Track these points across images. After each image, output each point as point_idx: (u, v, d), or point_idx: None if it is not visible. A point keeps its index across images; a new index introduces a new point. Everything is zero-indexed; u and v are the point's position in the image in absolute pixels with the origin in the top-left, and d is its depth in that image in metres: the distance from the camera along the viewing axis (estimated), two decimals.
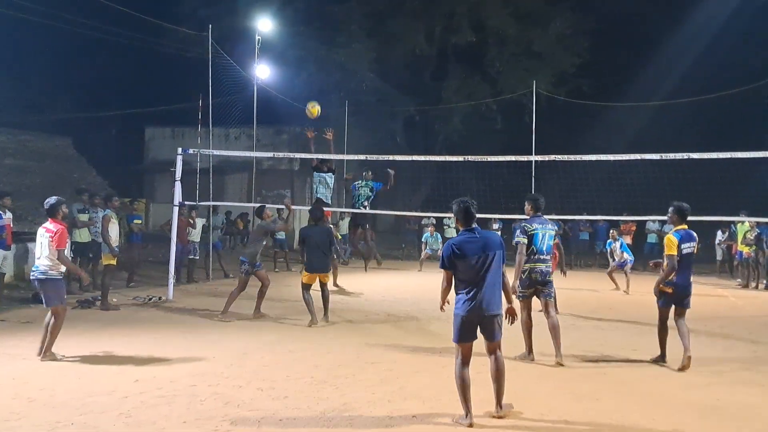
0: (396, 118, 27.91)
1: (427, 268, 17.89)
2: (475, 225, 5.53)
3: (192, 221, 14.63)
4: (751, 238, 15.51)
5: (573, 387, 6.49)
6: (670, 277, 7.37)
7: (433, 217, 20.29)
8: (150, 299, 11.92)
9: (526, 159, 15.98)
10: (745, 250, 15.83)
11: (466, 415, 5.27)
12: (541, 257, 7.55)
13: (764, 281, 15.72)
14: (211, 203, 15.80)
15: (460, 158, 14.16)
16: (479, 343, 5.45)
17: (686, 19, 25.21)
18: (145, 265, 15.84)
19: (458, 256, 5.37)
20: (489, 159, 13.74)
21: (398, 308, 11.59)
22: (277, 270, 17.47)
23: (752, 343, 8.95)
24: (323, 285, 10.00)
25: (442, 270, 5.52)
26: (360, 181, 13.81)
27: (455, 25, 26.77)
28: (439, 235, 19.62)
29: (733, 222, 16.27)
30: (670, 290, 7.44)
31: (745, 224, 15.60)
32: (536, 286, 7.59)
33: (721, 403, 6.01)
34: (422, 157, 16.02)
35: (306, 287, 9.86)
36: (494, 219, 17.83)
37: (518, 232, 7.53)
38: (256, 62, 18.28)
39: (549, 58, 26.40)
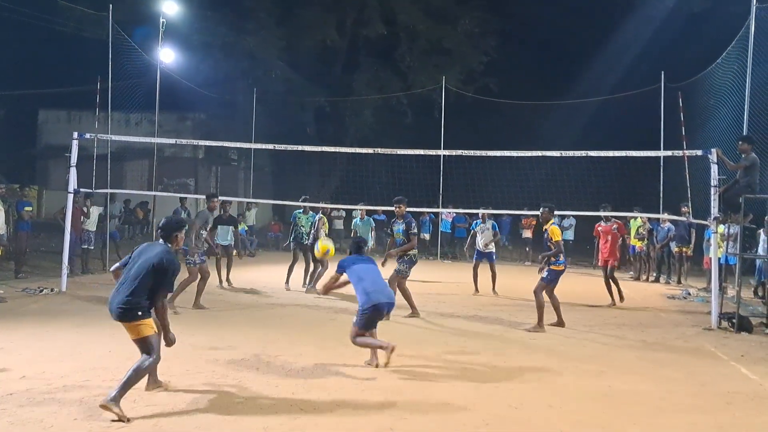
0: (306, 108, 27.67)
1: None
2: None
3: (86, 210, 13.96)
4: (644, 232, 16.41)
5: (473, 375, 6.63)
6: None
7: (343, 209, 20.23)
8: (41, 291, 11.31)
9: (434, 153, 16.28)
10: (638, 244, 16.77)
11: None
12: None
13: (654, 274, 16.67)
14: (109, 191, 15.15)
15: (370, 150, 14.19)
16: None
17: (590, 24, 26.26)
18: (36, 255, 15.05)
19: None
20: (398, 152, 13.81)
21: (306, 302, 11.51)
22: None
23: (642, 333, 9.46)
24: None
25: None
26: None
27: (366, 18, 26.80)
28: (371, 220, 16.79)
29: (626, 217, 17.14)
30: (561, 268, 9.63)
31: (637, 220, 16.51)
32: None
33: (612, 390, 6.28)
34: (332, 148, 15.90)
35: None
36: None
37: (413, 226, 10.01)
38: (159, 46, 17.60)
39: (458, 56, 26.89)
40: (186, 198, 18.57)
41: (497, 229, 13.70)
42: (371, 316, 6.83)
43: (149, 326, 5.39)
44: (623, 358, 7.76)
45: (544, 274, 9.64)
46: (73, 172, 12.09)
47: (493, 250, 13.51)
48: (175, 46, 20.75)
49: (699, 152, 10.94)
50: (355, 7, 26.91)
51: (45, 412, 5.09)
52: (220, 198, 11.47)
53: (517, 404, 5.69)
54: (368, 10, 26.63)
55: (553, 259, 9.57)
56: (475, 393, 6.01)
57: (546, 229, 9.77)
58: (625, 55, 26.17)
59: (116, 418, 4.91)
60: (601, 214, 13.29)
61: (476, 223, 13.77)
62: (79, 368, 6.35)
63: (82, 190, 12.89)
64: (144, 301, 5.39)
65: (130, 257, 5.66)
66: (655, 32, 25.04)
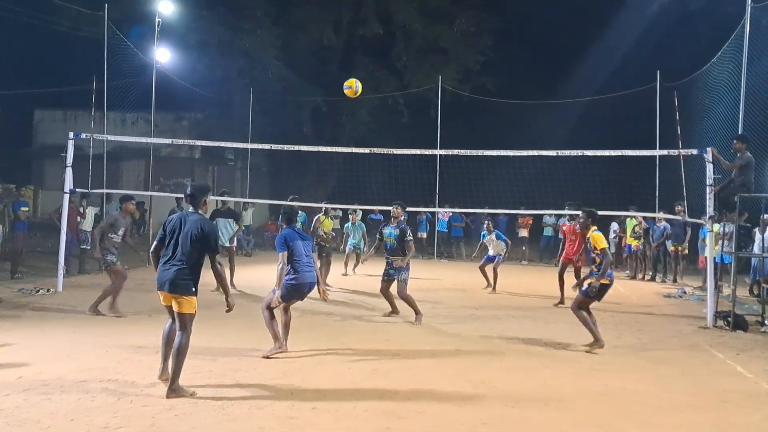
0: (302, 108, 27.61)
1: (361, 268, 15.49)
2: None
3: (82, 210, 13.92)
4: (640, 231, 16.45)
5: (470, 375, 6.64)
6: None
7: (340, 208, 20.21)
8: (38, 291, 11.28)
9: (430, 153, 16.25)
10: (634, 243, 16.80)
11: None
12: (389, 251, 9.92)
13: (650, 273, 16.70)
14: (105, 191, 15.12)
15: (366, 150, 14.17)
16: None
17: (586, 23, 26.32)
18: (32, 255, 15.00)
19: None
20: (395, 152, 13.80)
21: (302, 303, 11.48)
22: None
23: (638, 332, 9.48)
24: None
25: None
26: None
27: (362, 17, 26.77)
28: (363, 225, 16.47)
29: (621, 216, 17.20)
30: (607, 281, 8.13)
31: (633, 219, 16.55)
32: (388, 272, 9.89)
33: (609, 389, 6.31)
34: (328, 148, 15.89)
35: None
36: None
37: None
38: (155, 45, 17.57)
39: (454, 55, 26.89)
40: (182, 198, 18.50)
41: (504, 238, 13.78)
42: (293, 292, 7.31)
43: (194, 305, 5.80)
44: (620, 357, 7.78)
45: (584, 286, 8.25)
46: (69, 172, 12.08)
47: (501, 253, 13.68)
48: (171, 45, 20.70)
49: (694, 151, 10.99)
50: (352, 6, 26.87)
51: (42, 413, 5.08)
52: (135, 200, 11.12)
53: (514, 403, 5.71)
54: (364, 9, 26.59)
55: (595, 269, 8.19)
56: (473, 392, 6.02)
57: (588, 238, 8.32)
58: (621, 54, 26.25)
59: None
60: (565, 212, 13.17)
61: (483, 234, 14.20)
62: (76, 369, 6.35)
63: (78, 190, 12.88)
64: (196, 274, 5.80)
65: (164, 233, 5.92)
66: (650, 31, 25.12)
